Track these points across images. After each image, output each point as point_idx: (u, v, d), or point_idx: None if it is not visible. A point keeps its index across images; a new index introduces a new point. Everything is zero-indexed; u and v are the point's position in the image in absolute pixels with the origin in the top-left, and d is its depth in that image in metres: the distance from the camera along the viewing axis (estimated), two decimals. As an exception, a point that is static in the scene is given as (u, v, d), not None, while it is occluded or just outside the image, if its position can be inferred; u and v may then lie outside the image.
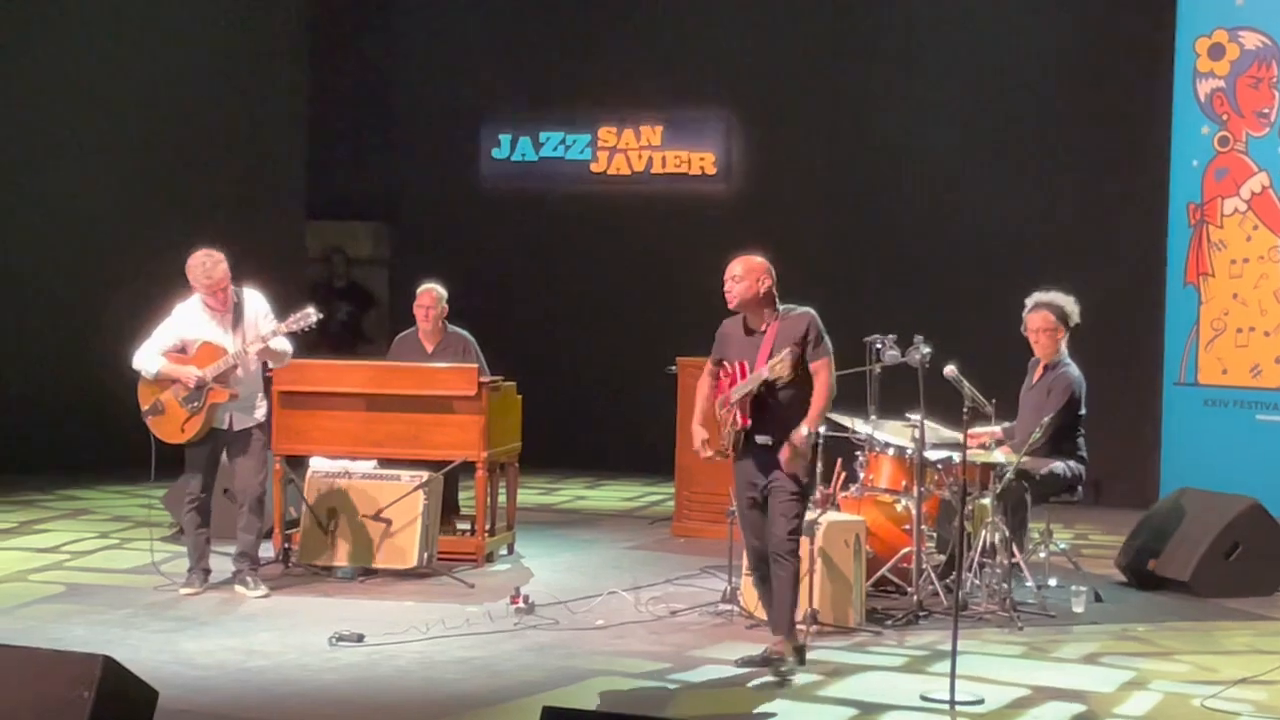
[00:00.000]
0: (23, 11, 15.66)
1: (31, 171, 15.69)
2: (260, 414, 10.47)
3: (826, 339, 8.96)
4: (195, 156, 16.46)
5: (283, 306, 10.65)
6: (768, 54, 16.68)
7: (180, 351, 10.26)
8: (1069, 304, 10.74)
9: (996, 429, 10.57)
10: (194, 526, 10.36)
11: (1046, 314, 10.70)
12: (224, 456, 10.43)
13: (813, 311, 9.11)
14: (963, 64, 15.85)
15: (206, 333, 10.25)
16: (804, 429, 8.62)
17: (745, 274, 9.16)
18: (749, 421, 8.75)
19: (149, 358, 10.26)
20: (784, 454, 8.60)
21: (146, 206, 15.99)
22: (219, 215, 15.03)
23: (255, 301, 10.41)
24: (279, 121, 17.25)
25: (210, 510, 10.43)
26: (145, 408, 10.29)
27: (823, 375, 8.82)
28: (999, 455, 10.19)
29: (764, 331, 8.94)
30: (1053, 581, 10.78)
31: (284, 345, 10.40)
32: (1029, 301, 10.84)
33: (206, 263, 10.21)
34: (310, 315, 10.30)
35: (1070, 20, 15.51)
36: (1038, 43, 15.62)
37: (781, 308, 9.00)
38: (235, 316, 10.28)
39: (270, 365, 10.49)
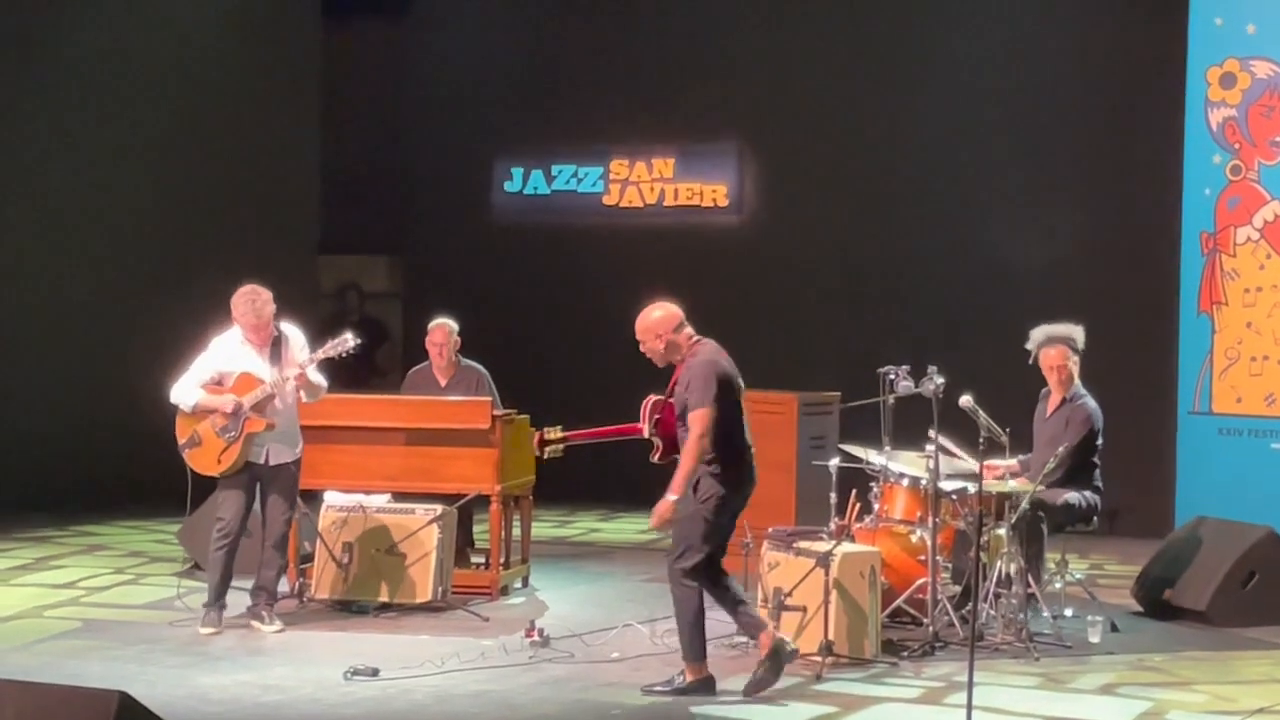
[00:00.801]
0: (38, 51, 15.70)
1: (50, 210, 15.73)
2: (298, 449, 10.47)
3: (709, 388, 8.81)
4: (211, 192, 16.51)
5: (297, 342, 10.65)
6: (779, 85, 16.70)
7: (217, 384, 10.28)
8: (1076, 332, 10.76)
9: (1013, 462, 10.56)
10: (221, 564, 10.29)
11: (1062, 348, 10.72)
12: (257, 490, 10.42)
13: (706, 356, 8.99)
14: (975, 95, 15.86)
15: (245, 365, 10.28)
16: (669, 496, 8.71)
17: (642, 336, 9.18)
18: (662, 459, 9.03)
19: (186, 390, 10.27)
20: (653, 518, 8.73)
21: (163, 243, 16.04)
22: (235, 250, 15.06)
23: (295, 336, 10.45)
24: (293, 156, 17.29)
25: (238, 550, 10.39)
26: (182, 441, 10.31)
27: (694, 430, 8.77)
28: (1014, 485, 10.18)
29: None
30: (1069, 612, 10.75)
31: (319, 379, 10.42)
32: (1036, 335, 10.84)
33: (256, 301, 10.24)
34: (349, 340, 10.34)
35: (1081, 51, 15.53)
36: (1049, 74, 15.64)
37: (691, 351, 9.02)
38: (274, 350, 10.31)
39: (305, 398, 10.46)
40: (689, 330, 9.14)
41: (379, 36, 18.58)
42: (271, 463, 10.33)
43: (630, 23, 17.37)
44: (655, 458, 9.13)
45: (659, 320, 9.11)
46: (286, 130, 17.21)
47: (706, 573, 8.88)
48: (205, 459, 10.26)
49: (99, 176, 16.01)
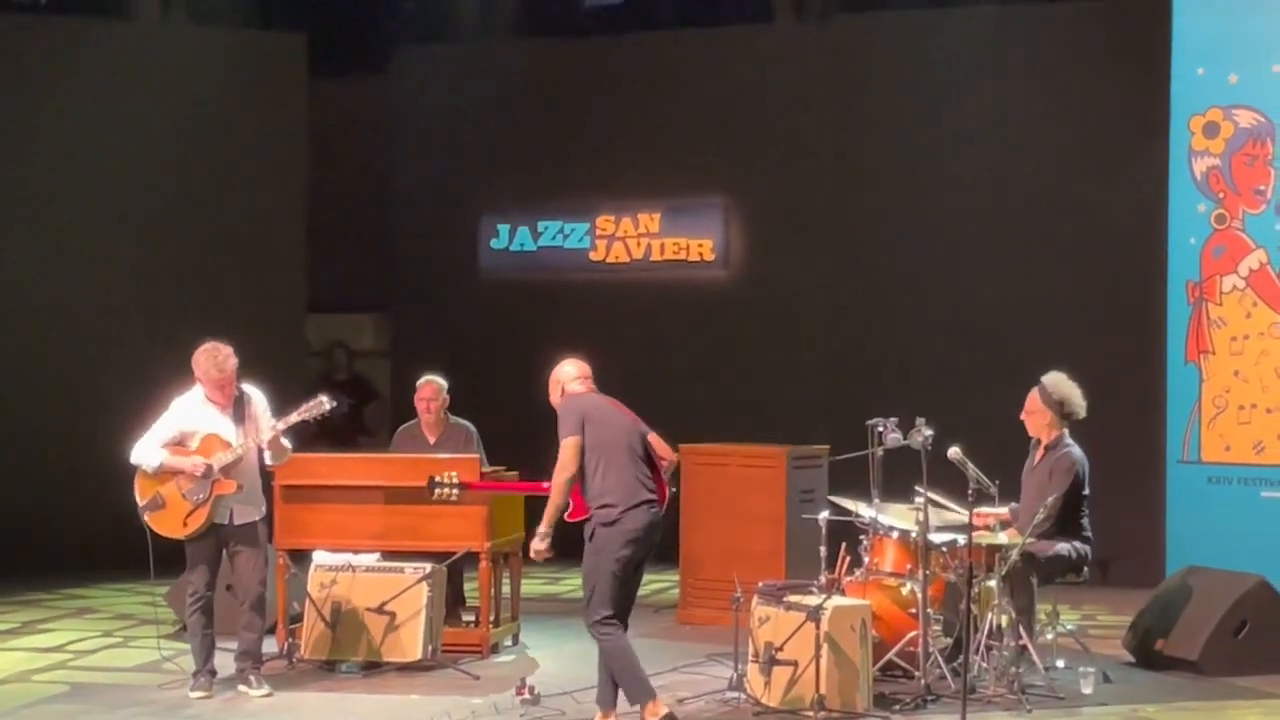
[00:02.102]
0: (24, 109, 15.73)
1: (32, 270, 15.73)
2: (263, 508, 10.40)
3: (562, 427, 9.32)
4: (196, 251, 16.50)
5: (285, 400, 10.63)
6: (764, 139, 16.74)
7: (179, 445, 10.20)
8: (1068, 393, 10.69)
9: (1003, 510, 10.55)
10: (200, 627, 10.23)
11: (1035, 396, 10.72)
12: (224, 552, 10.36)
13: (561, 400, 9.54)
14: (959, 147, 15.90)
15: (210, 426, 10.19)
16: (539, 529, 9.11)
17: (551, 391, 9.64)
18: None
19: (149, 451, 10.17)
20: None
21: (146, 303, 16.02)
22: (220, 310, 15.01)
23: (257, 398, 10.39)
24: (279, 215, 17.27)
25: (214, 609, 10.34)
26: (143, 503, 10.19)
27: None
28: (1003, 537, 10.17)
29: None
30: (1060, 663, 10.72)
31: (288, 442, 10.39)
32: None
33: (217, 356, 10.17)
34: (324, 403, 10.27)
35: (1065, 101, 15.58)
36: (1033, 124, 15.68)
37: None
38: (237, 411, 10.25)
39: (270, 461, 10.42)
40: (579, 385, 9.65)
41: (365, 94, 18.62)
42: (237, 522, 10.22)
43: (615, 78, 17.41)
44: (567, 516, 9.25)
45: (554, 373, 9.76)
46: (273, 189, 17.20)
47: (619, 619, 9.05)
48: (170, 521, 10.15)
49: (82, 236, 16.00)
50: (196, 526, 10.12)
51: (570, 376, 9.65)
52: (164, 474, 10.15)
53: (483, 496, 11.12)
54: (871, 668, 9.88)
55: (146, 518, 10.18)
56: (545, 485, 9.37)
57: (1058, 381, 10.74)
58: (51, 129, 15.88)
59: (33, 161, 15.79)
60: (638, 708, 9.09)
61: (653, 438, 9.39)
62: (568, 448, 9.19)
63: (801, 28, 16.97)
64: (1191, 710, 9.92)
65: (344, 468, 11.50)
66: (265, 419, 10.26)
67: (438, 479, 9.85)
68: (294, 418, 10.24)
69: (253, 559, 10.29)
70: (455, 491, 9.78)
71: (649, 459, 9.28)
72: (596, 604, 9.06)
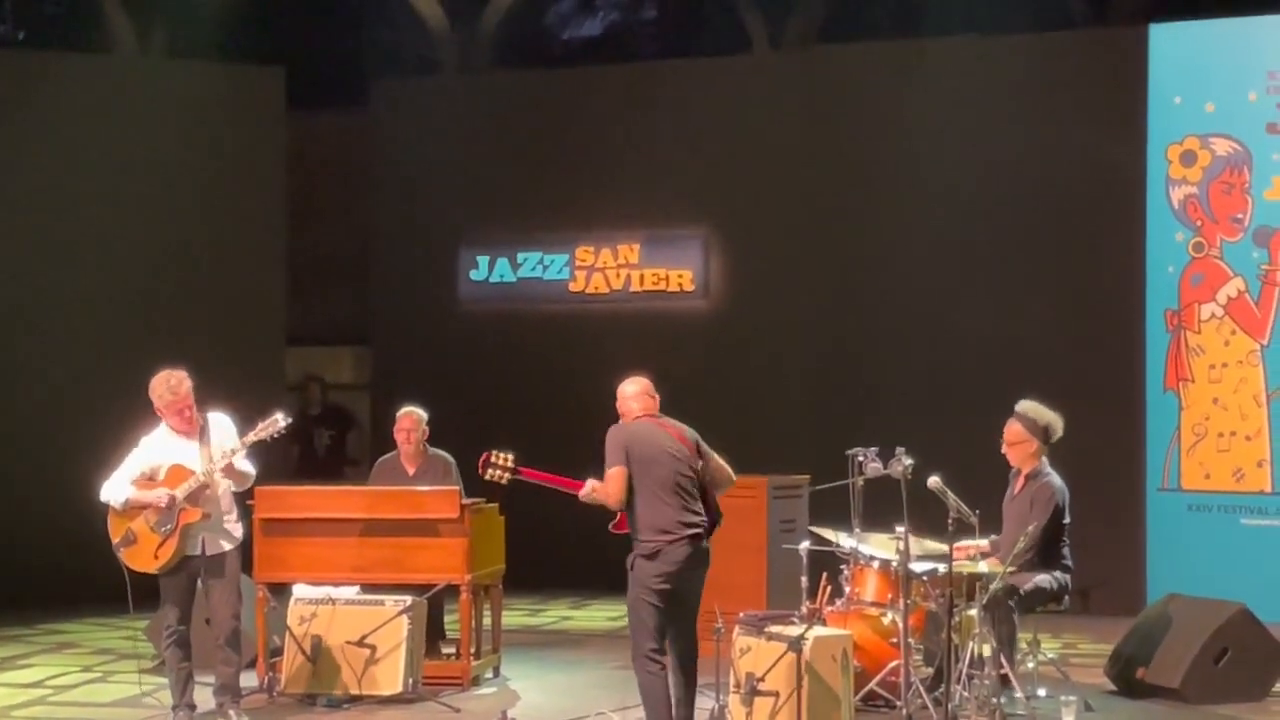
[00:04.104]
0: (5, 140, 15.73)
1: (7, 305, 15.70)
2: (236, 535, 10.30)
3: (607, 458, 9.45)
4: (174, 285, 16.50)
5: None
6: (744, 169, 16.78)
7: (150, 479, 10.14)
8: (1049, 418, 10.71)
9: (984, 543, 10.53)
10: (176, 661, 10.15)
11: (1017, 427, 10.71)
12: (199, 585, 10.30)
13: (613, 427, 9.58)
14: (939, 178, 15.94)
15: (175, 456, 10.11)
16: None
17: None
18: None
19: (117, 488, 10.12)
20: None
21: (123, 337, 15.98)
22: (199, 344, 14.99)
23: (221, 423, 10.31)
24: (258, 248, 17.26)
25: (190, 643, 10.26)
26: (116, 540, 10.13)
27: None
28: (984, 566, 10.17)
29: None
30: (1042, 692, 10.70)
31: (246, 466, 10.25)
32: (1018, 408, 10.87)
33: (170, 380, 10.09)
34: (279, 421, 10.17)
35: (1042, 131, 15.61)
36: (1011, 154, 15.72)
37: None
38: (202, 438, 10.18)
39: (233, 487, 10.35)
40: (635, 404, 9.52)
41: (344, 127, 18.65)
42: (208, 553, 10.14)
43: (594, 110, 17.44)
44: (611, 526, 9.34)
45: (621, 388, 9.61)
46: (251, 222, 17.20)
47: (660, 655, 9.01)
48: (142, 556, 10.08)
49: (59, 269, 15.99)
50: (167, 559, 10.05)
51: (625, 395, 9.57)
52: (132, 509, 10.09)
53: (462, 529, 11.10)
54: (853, 698, 9.86)
55: (121, 555, 10.13)
56: (579, 484, 9.41)
57: (1036, 408, 10.75)
58: (28, 162, 15.87)
59: (8, 195, 15.78)
60: None
61: (714, 464, 9.37)
62: (612, 480, 9.20)
63: (779, 58, 17.04)
64: (1173, 738, 9.93)
65: (323, 500, 11.47)
66: (229, 444, 10.16)
67: (492, 459, 9.77)
68: (251, 437, 10.15)
69: (225, 592, 10.20)
70: (507, 475, 9.73)
71: (698, 487, 9.23)
72: (638, 635, 9.08)
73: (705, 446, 9.39)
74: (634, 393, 9.53)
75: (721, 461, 9.43)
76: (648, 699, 9.07)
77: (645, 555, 9.08)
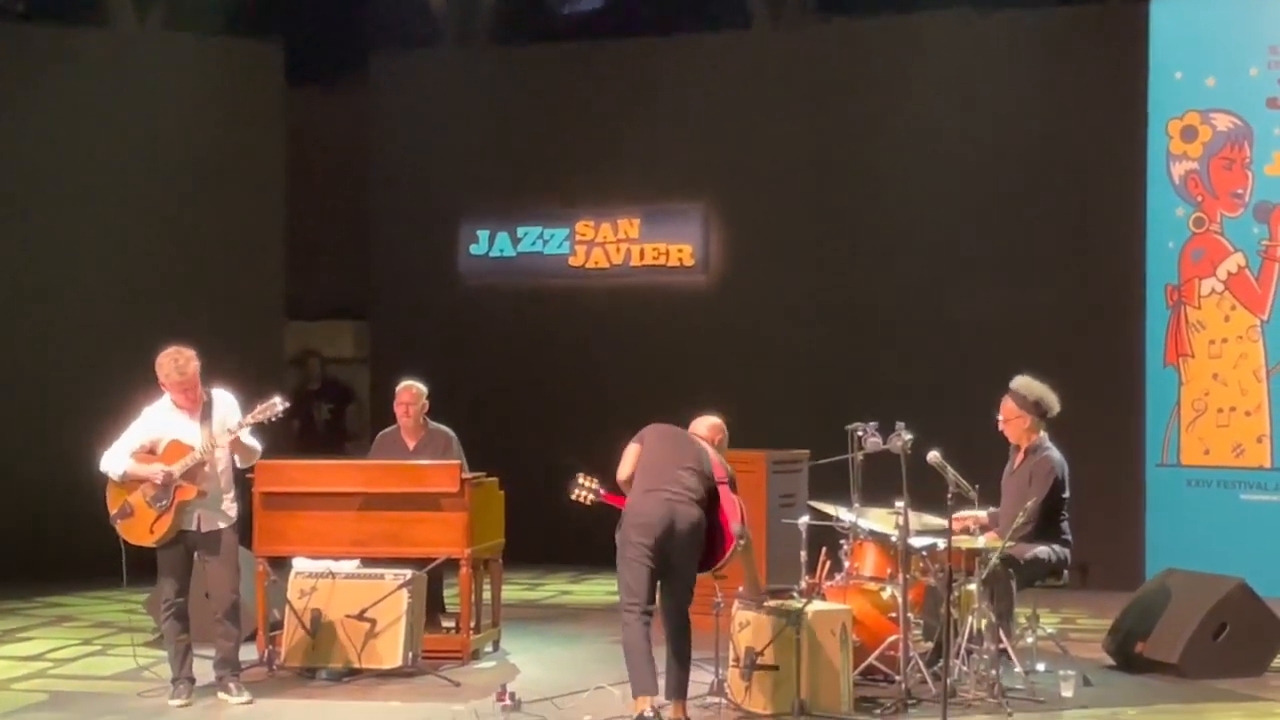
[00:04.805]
0: (5, 115, 15.71)
1: (7, 279, 15.69)
2: (231, 514, 10.30)
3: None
4: (173, 259, 16.49)
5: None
6: (744, 144, 16.76)
7: (150, 453, 10.15)
8: (1041, 392, 10.70)
9: (982, 514, 10.54)
10: (174, 634, 10.17)
11: (1010, 403, 10.72)
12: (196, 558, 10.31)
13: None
14: (939, 151, 15.92)
15: (175, 431, 10.13)
16: None
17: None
18: None
19: (116, 460, 10.13)
20: None
21: (123, 311, 15.98)
22: (198, 318, 15.00)
23: (224, 401, 10.32)
24: (258, 223, 17.26)
25: (188, 616, 10.28)
26: (114, 511, 10.15)
27: None
28: (982, 541, 10.17)
29: None
30: (1040, 666, 10.71)
31: (253, 442, 10.30)
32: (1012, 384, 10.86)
33: (179, 359, 10.10)
34: (276, 405, 10.19)
35: (1043, 105, 15.60)
36: (1011, 129, 15.70)
37: None
38: (204, 415, 10.19)
39: (239, 463, 10.37)
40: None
41: (343, 101, 18.61)
42: (204, 529, 10.15)
43: (594, 84, 17.42)
44: (603, 491, 9.92)
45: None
46: (251, 196, 17.19)
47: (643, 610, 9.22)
48: (138, 529, 10.10)
49: (58, 244, 15.99)
50: (162, 534, 10.07)
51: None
52: (130, 482, 10.11)
53: (462, 503, 11.11)
54: (852, 672, 9.88)
55: (117, 526, 10.15)
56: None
57: (1028, 384, 10.74)
58: (27, 137, 15.85)
59: (6, 170, 15.75)
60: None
61: (723, 493, 9.53)
62: (625, 455, 9.62)
63: (779, 34, 17.00)
64: (1172, 713, 9.93)
65: (323, 474, 11.47)
66: (231, 421, 10.18)
67: (581, 480, 9.93)
68: (248, 420, 10.16)
69: (222, 568, 10.23)
70: (591, 497, 9.86)
71: (703, 485, 9.41)
72: (621, 590, 9.30)
73: (723, 475, 9.55)
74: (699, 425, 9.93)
75: (733, 501, 9.53)
76: (629, 648, 9.22)
77: (626, 511, 9.35)
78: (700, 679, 10.15)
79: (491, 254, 17.66)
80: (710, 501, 9.40)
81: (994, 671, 9.99)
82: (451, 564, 11.32)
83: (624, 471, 9.51)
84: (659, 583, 9.30)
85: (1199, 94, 14.54)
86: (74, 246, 16.05)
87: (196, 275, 16.57)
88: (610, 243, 17.27)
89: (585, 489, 9.80)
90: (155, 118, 16.55)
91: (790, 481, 12.83)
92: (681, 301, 16.96)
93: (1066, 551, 10.62)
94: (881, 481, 10.44)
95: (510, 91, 17.65)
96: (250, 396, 10.45)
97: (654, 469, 9.43)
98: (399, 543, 11.16)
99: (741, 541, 9.43)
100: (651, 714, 9.03)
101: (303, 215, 17.75)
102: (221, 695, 10.20)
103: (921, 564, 10.45)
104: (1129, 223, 14.92)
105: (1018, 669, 10.33)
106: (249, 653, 10.92)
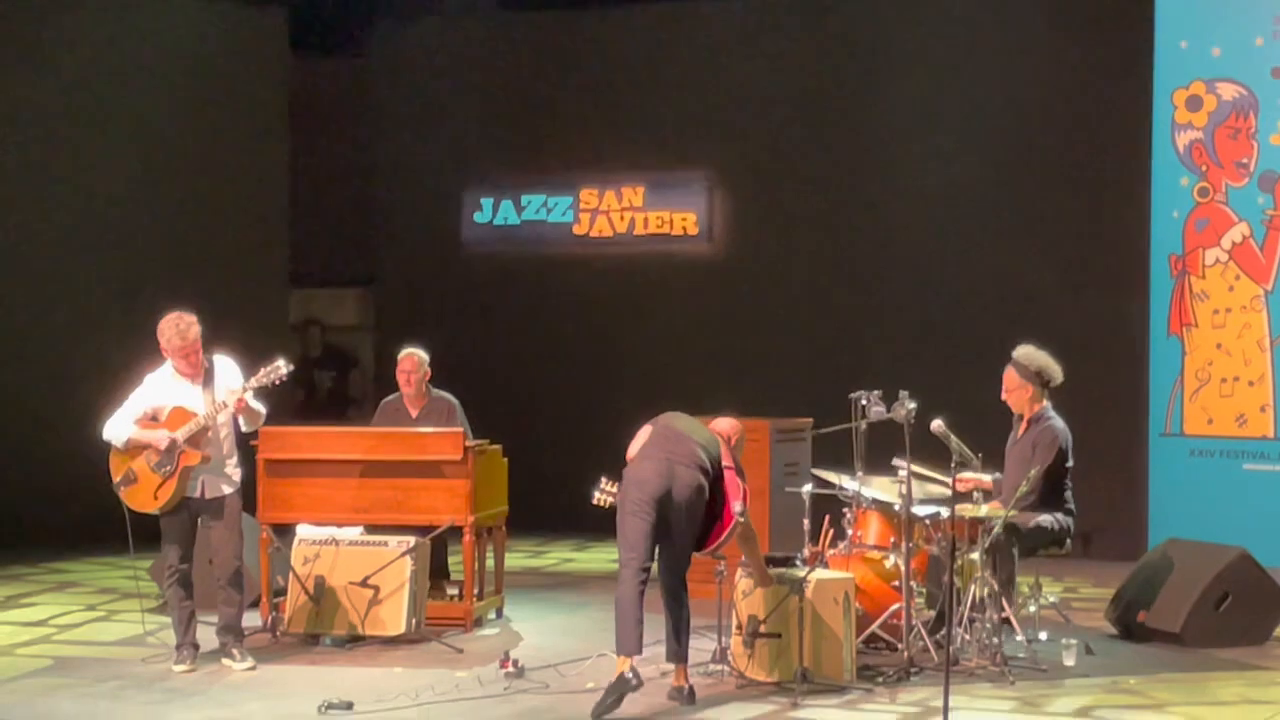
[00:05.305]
0: (4, 79, 15.68)
1: (5, 241, 15.67)
2: (235, 479, 10.32)
3: None
4: (176, 227, 16.49)
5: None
6: (748, 113, 16.73)
7: (152, 420, 10.15)
8: (1043, 362, 10.70)
9: (986, 478, 10.55)
10: (178, 600, 10.21)
11: (1012, 373, 10.73)
12: (200, 525, 10.33)
13: None
14: (944, 122, 15.90)
15: (178, 398, 10.14)
16: None
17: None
18: None
19: (119, 427, 10.13)
20: None
21: (126, 278, 15.98)
22: (202, 285, 14.99)
23: (226, 366, 10.33)
24: (262, 191, 17.27)
25: (192, 582, 10.31)
26: (117, 479, 10.17)
27: None
28: (985, 509, 10.18)
29: None
30: (1043, 635, 10.74)
31: (258, 405, 10.32)
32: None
33: (180, 324, 10.10)
34: (280, 367, 10.20)
35: (1048, 75, 15.57)
36: (1016, 98, 15.68)
37: None
38: (206, 381, 10.19)
39: (244, 426, 10.39)
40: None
41: (347, 68, 18.58)
42: (208, 496, 10.19)
43: (598, 52, 17.39)
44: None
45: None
46: (254, 164, 17.18)
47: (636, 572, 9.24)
48: (141, 496, 10.12)
49: (61, 210, 15.96)
50: (166, 500, 10.09)
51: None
52: (133, 449, 10.13)
53: (466, 470, 11.11)
54: (855, 640, 9.90)
55: (121, 493, 10.17)
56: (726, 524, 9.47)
57: (1030, 353, 10.74)
58: (30, 102, 15.82)
59: (10, 134, 15.73)
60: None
61: (729, 476, 9.52)
62: (637, 435, 9.60)
63: (784, 1, 16.95)
64: (1173, 682, 9.94)
65: (326, 441, 11.48)
66: (235, 386, 10.18)
67: (604, 485, 9.86)
68: (253, 383, 10.18)
69: (226, 534, 10.26)
70: (610, 499, 9.78)
71: (699, 469, 9.36)
72: (619, 546, 9.31)
73: (731, 463, 9.55)
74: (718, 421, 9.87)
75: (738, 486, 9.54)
76: (618, 604, 9.23)
77: (626, 472, 9.39)
78: (703, 647, 10.18)
79: (495, 222, 17.64)
80: (715, 478, 9.39)
81: (996, 640, 10.01)
82: (455, 531, 11.33)
83: (634, 450, 9.51)
84: (657, 547, 9.30)
85: (1204, 63, 14.51)
86: (77, 212, 16.03)
87: (200, 243, 16.56)
88: (614, 211, 17.25)
89: (606, 493, 9.77)
90: (158, 85, 16.53)
91: (794, 450, 12.85)
92: (685, 270, 16.95)
93: (1070, 520, 10.63)
94: (885, 450, 10.45)
95: (514, 59, 17.63)
96: (254, 364, 10.45)
97: (660, 439, 9.44)
98: (402, 510, 11.18)
99: (742, 520, 9.42)
100: (631, 675, 9.03)
101: (307, 183, 17.74)
102: (225, 661, 10.23)
103: (924, 532, 10.46)
104: (1133, 192, 14.90)
105: (1020, 638, 10.35)
106: (252, 619, 10.95)
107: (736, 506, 9.39)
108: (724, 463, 9.47)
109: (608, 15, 17.61)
